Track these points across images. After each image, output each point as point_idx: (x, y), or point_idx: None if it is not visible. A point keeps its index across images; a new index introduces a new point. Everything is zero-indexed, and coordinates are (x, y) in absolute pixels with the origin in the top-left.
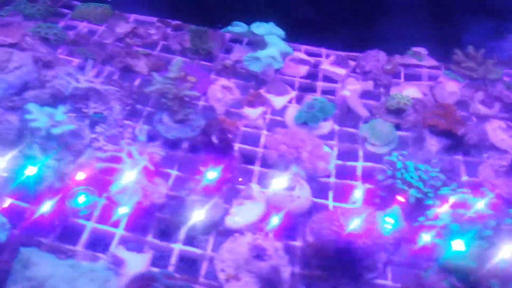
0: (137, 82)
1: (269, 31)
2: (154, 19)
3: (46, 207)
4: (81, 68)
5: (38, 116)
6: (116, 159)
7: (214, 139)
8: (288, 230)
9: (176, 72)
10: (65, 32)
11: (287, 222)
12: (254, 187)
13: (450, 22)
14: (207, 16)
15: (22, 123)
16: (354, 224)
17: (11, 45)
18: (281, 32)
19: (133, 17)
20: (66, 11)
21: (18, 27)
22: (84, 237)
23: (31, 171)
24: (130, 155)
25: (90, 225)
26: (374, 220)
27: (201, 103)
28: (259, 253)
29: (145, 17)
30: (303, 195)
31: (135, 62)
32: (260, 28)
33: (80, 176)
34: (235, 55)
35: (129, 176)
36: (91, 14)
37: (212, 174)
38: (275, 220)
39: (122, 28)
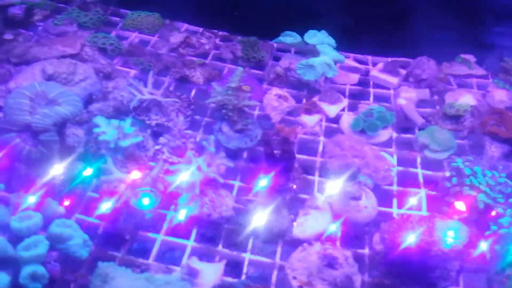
0: (193, 92)
1: (322, 41)
2: (200, 29)
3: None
4: (138, 79)
5: (106, 129)
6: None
7: (276, 150)
8: (355, 238)
9: (237, 82)
10: (121, 42)
11: (353, 230)
12: (319, 196)
13: (492, 27)
14: (252, 27)
15: (88, 136)
16: (420, 234)
17: (71, 56)
18: (332, 41)
19: (185, 26)
20: (116, 19)
21: (75, 37)
22: (155, 249)
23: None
24: (198, 167)
25: (160, 238)
26: (435, 230)
27: (256, 112)
28: (330, 262)
29: (193, 26)
30: (370, 205)
31: (191, 72)
32: (314, 38)
33: (136, 175)
34: (284, 63)
35: (195, 188)
36: (143, 24)
37: (263, 182)
38: (340, 229)
39: (176, 38)
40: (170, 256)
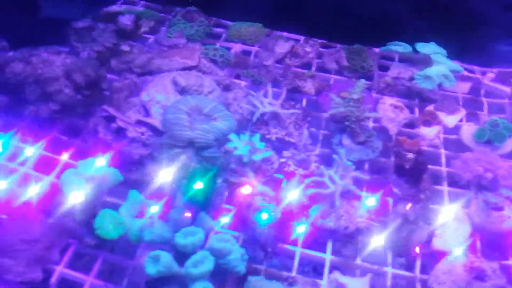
0: (303, 103)
1: (434, 50)
2: (301, 37)
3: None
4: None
5: (239, 144)
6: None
7: (406, 162)
8: (497, 249)
9: (359, 94)
10: (230, 53)
11: (495, 241)
12: (453, 207)
13: None
14: (354, 35)
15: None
16: None
17: (191, 68)
18: (443, 51)
19: (284, 35)
20: (218, 30)
21: (191, 49)
22: (296, 262)
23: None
24: (331, 179)
25: (298, 250)
26: None
27: (370, 123)
28: (478, 274)
29: (293, 35)
30: None
31: (302, 83)
32: (426, 48)
33: (247, 190)
34: (393, 72)
35: (336, 200)
36: (246, 34)
37: (371, 201)
38: (481, 240)
39: (282, 47)
40: (310, 269)
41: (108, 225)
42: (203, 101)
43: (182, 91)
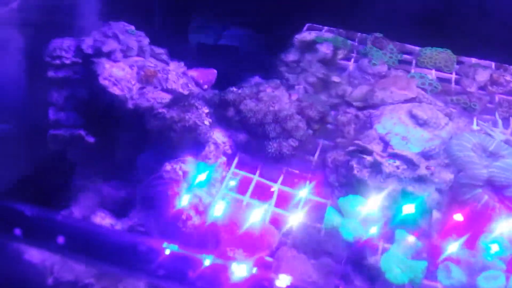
0: None
1: None
2: (492, 63)
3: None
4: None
5: None
6: None
7: None
8: None
9: None
10: (437, 82)
11: None
12: None
13: None
14: None
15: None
16: None
17: (412, 99)
18: None
19: (473, 60)
20: (406, 56)
21: (398, 78)
22: None
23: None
24: None
25: None
26: None
27: None
28: None
29: (483, 61)
30: None
31: None
32: None
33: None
34: None
35: None
36: (441, 61)
37: None
38: None
39: (482, 75)
40: None
41: (395, 268)
42: (484, 138)
43: (424, 123)
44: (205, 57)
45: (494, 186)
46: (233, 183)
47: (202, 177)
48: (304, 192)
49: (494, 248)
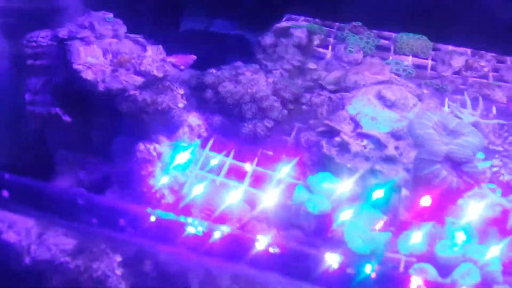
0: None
1: None
2: (468, 50)
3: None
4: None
5: None
6: None
7: None
8: None
9: None
10: (413, 68)
11: None
12: None
13: None
14: None
15: None
16: None
17: (384, 83)
18: None
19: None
20: (384, 42)
21: (371, 64)
22: None
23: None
24: None
25: None
26: None
27: None
28: None
29: (459, 48)
30: None
31: (491, 91)
32: None
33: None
34: None
35: None
36: (418, 47)
37: None
38: None
39: (457, 61)
40: None
41: (358, 238)
42: (445, 116)
43: (392, 105)
44: (193, 44)
45: (453, 162)
46: (214, 161)
47: (180, 159)
48: (283, 172)
49: (460, 236)
